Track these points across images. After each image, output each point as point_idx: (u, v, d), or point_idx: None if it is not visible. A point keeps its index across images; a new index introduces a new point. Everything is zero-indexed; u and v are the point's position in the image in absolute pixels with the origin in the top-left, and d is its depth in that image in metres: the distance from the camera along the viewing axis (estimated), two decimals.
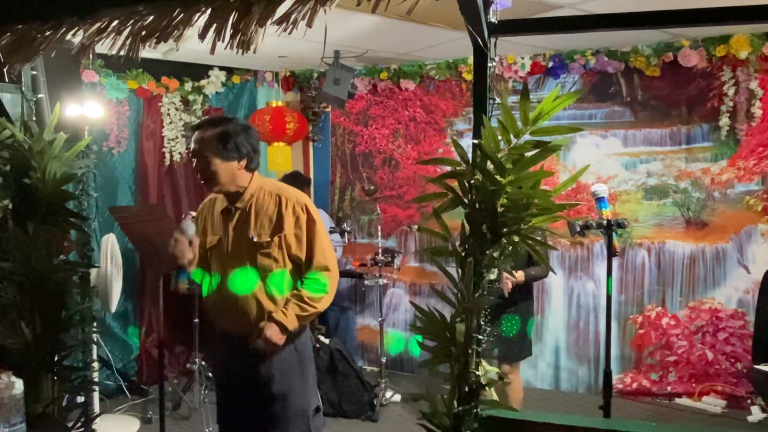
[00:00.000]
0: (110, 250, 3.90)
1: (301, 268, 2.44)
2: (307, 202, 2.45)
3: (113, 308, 4.08)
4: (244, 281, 2.40)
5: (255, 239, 2.38)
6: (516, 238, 1.41)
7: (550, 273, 3.94)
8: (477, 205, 1.41)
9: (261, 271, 2.40)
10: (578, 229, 2.98)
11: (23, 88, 2.46)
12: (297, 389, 2.44)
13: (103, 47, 1.44)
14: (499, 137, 1.39)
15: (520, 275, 3.43)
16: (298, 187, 2.64)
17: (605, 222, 2.89)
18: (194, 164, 2.42)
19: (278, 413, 2.41)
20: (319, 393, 2.61)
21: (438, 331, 1.45)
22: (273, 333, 2.35)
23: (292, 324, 2.37)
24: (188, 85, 5.20)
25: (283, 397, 2.42)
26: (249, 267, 2.39)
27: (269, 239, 2.38)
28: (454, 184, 1.45)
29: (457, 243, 1.46)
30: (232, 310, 2.42)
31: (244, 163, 2.41)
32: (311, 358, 2.53)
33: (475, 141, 1.45)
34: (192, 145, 2.41)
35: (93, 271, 3.75)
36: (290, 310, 2.37)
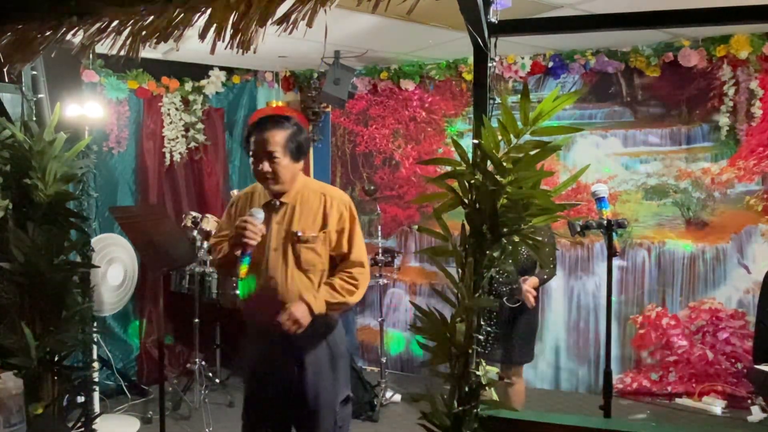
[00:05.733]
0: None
1: (335, 264, 2.52)
2: (350, 201, 2.54)
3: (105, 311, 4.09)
4: (284, 274, 2.45)
5: (300, 234, 2.43)
6: (516, 238, 1.41)
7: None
8: (477, 205, 1.41)
9: (302, 264, 2.45)
10: (578, 229, 2.98)
11: (23, 88, 2.46)
12: (327, 384, 2.49)
13: (103, 47, 1.44)
14: (499, 137, 1.39)
15: (534, 281, 3.38)
16: None
17: (605, 222, 2.89)
18: (256, 163, 2.43)
19: (308, 408, 2.48)
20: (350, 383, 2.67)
21: (438, 331, 1.45)
22: (299, 311, 2.37)
23: (319, 307, 2.41)
24: (188, 85, 5.20)
25: (314, 392, 2.48)
26: (291, 260, 2.44)
27: (314, 235, 2.44)
28: (454, 184, 1.45)
29: (457, 243, 1.46)
30: (272, 303, 2.44)
31: (302, 163, 2.50)
32: (343, 354, 2.58)
33: (475, 141, 1.45)
34: (255, 145, 2.43)
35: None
36: (321, 293, 2.43)
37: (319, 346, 2.50)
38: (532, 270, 3.45)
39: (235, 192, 5.06)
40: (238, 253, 2.33)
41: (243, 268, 2.30)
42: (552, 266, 3.54)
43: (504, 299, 3.35)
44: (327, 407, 2.49)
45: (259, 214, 2.35)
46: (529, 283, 3.34)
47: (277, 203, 2.47)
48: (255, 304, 2.51)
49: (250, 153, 2.46)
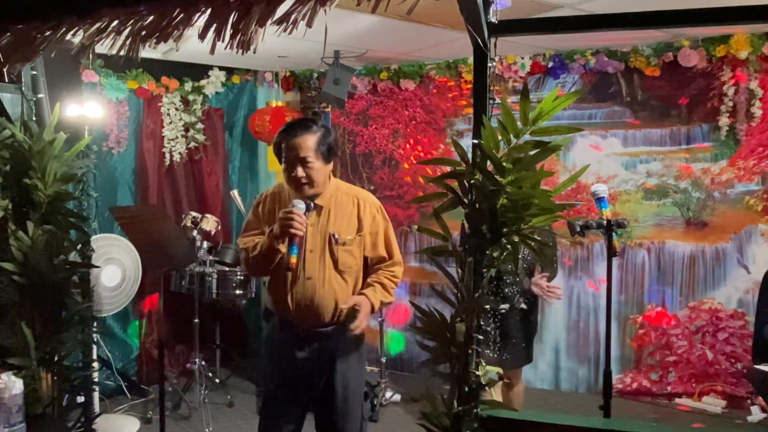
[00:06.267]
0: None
1: (367, 264, 2.60)
2: (380, 204, 2.63)
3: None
4: (322, 275, 2.48)
5: (337, 236, 2.49)
6: (516, 238, 1.41)
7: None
8: (477, 205, 1.41)
9: (339, 266, 2.50)
10: (578, 229, 2.98)
11: (23, 88, 2.46)
12: (357, 381, 2.61)
13: (103, 47, 1.44)
14: (499, 137, 1.39)
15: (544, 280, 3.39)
16: None
17: (605, 222, 2.89)
18: (290, 169, 2.43)
19: (343, 405, 2.56)
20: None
21: (438, 331, 1.45)
22: (367, 310, 2.47)
23: (377, 304, 2.52)
24: (188, 85, 5.19)
25: (345, 389, 2.56)
26: (328, 262, 2.49)
27: (351, 237, 2.51)
28: (454, 184, 1.45)
29: (457, 243, 1.46)
30: (308, 304, 2.48)
31: (332, 164, 2.54)
32: (365, 349, 2.71)
33: (475, 141, 1.45)
34: (288, 151, 2.43)
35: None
36: (377, 293, 2.53)
37: (349, 343, 2.57)
38: (532, 273, 3.42)
39: (235, 192, 5.07)
40: (281, 246, 2.38)
41: (293, 258, 2.33)
42: (556, 265, 3.53)
43: (515, 302, 3.30)
44: (357, 402, 2.61)
45: (301, 205, 2.37)
46: (544, 280, 3.31)
47: (312, 205, 2.49)
48: (291, 305, 2.51)
49: (283, 159, 2.46)
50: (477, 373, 1.43)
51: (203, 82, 5.29)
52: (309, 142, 2.42)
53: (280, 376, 2.60)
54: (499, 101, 1.55)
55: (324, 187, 2.51)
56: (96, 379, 3.57)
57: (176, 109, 5.16)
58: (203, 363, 4.54)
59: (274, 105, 5.36)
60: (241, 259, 2.76)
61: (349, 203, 2.54)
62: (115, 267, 4.14)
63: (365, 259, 2.59)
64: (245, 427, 4.27)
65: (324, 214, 2.51)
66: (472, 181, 1.41)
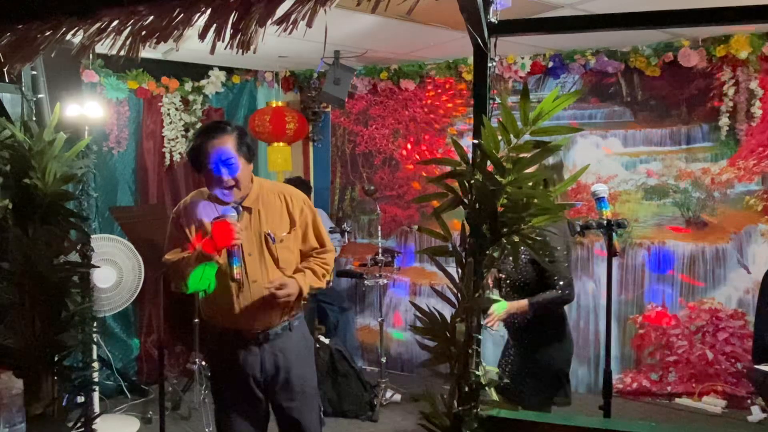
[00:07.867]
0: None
1: (300, 256, 2.60)
2: (305, 197, 2.63)
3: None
4: (265, 276, 2.47)
5: (272, 235, 2.48)
6: (516, 238, 1.41)
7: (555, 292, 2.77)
8: (477, 205, 1.41)
9: (281, 264, 2.50)
10: (578, 229, 2.97)
11: (23, 88, 2.46)
12: (310, 372, 2.63)
13: (103, 47, 1.44)
14: (499, 137, 1.39)
15: (521, 304, 2.72)
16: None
17: (605, 222, 2.88)
18: (216, 175, 2.38)
19: (300, 399, 2.57)
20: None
21: (438, 331, 1.45)
22: (292, 286, 2.44)
23: (306, 288, 2.50)
24: (188, 85, 5.20)
25: (302, 382, 2.57)
26: (269, 262, 2.48)
27: (286, 233, 2.51)
28: (455, 184, 1.45)
29: (457, 243, 1.46)
30: (258, 307, 2.46)
31: (252, 164, 2.52)
32: (312, 342, 2.74)
33: (475, 141, 1.45)
34: (210, 156, 2.37)
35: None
36: (307, 278, 2.52)
37: (299, 339, 2.58)
38: (536, 287, 2.76)
39: None
40: (219, 259, 2.33)
41: (236, 269, 2.30)
42: (561, 284, 2.73)
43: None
44: (314, 395, 2.63)
45: (232, 212, 2.34)
46: (508, 306, 2.70)
47: (240, 209, 2.46)
48: (238, 312, 2.46)
49: (203, 166, 2.39)
50: (477, 373, 1.43)
51: (203, 82, 5.29)
52: (229, 144, 2.38)
53: (235, 386, 2.54)
54: (499, 101, 1.55)
55: (249, 188, 2.48)
56: (96, 379, 3.58)
57: (176, 109, 5.16)
58: (203, 363, 4.54)
59: (274, 105, 5.36)
60: (171, 277, 2.58)
61: (277, 200, 2.53)
62: (110, 268, 4.14)
63: (301, 250, 2.60)
64: None
65: (255, 215, 2.48)
66: (472, 181, 1.41)
